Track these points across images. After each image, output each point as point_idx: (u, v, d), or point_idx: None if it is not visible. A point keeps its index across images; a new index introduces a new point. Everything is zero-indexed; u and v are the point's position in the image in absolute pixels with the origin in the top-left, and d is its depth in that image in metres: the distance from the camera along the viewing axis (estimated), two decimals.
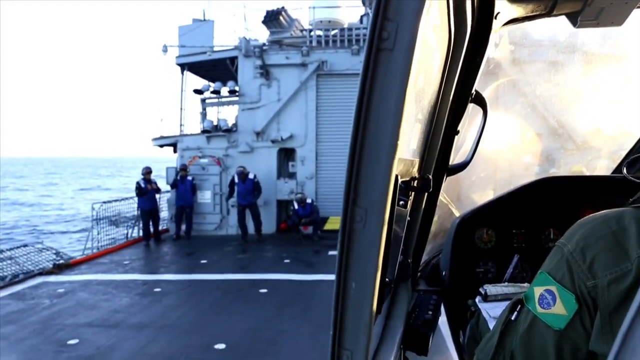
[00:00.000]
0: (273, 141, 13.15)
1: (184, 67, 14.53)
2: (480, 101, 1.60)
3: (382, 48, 0.61)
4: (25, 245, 10.34)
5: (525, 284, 1.77)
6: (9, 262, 9.43)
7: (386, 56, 0.61)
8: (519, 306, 1.01)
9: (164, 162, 14.18)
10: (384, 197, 0.63)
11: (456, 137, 1.60)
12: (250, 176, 11.77)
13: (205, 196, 13.32)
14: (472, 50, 1.45)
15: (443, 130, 1.50)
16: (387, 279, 1.48)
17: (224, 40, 17.29)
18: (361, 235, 0.65)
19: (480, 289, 1.71)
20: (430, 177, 1.47)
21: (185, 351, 5.25)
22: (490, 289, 1.70)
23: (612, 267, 0.83)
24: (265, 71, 13.00)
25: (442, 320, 2.07)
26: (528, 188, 2.13)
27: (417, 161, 1.42)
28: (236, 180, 11.73)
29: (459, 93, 1.49)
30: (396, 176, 1.08)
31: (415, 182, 1.40)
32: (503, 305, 1.67)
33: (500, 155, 2.59)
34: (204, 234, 12.97)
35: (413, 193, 1.50)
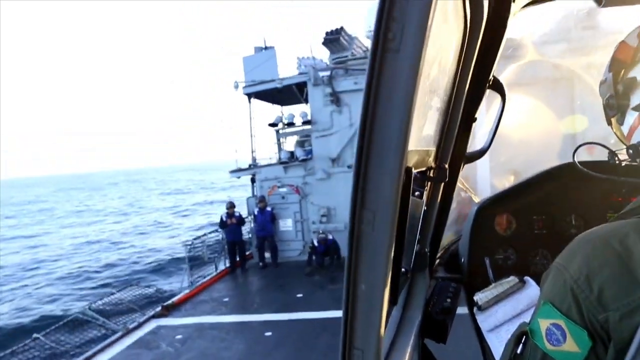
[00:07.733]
0: (349, 166, 13.15)
1: (250, 95, 14.92)
2: (498, 88, 1.55)
3: (388, 49, 0.59)
4: (131, 285, 11.15)
5: (511, 278, 1.69)
6: (120, 307, 10.05)
7: (393, 57, 0.59)
8: (524, 337, 0.91)
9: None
10: (393, 201, 0.62)
11: (474, 124, 1.56)
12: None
13: (287, 224, 13.77)
14: (490, 36, 1.40)
15: (460, 118, 1.46)
16: (403, 269, 1.48)
17: (285, 61, 17.34)
18: (370, 238, 0.64)
19: (475, 297, 1.65)
20: (447, 166, 1.44)
21: None
22: (480, 296, 1.64)
23: (622, 298, 0.74)
24: (335, 98, 13.13)
25: (465, 310, 2.06)
26: (549, 173, 2.08)
27: (432, 150, 1.40)
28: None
29: (476, 80, 1.44)
30: (409, 168, 1.07)
31: (432, 172, 1.38)
32: (495, 314, 1.62)
33: (521, 140, 2.52)
34: (288, 260, 13.35)
35: (429, 183, 1.48)
